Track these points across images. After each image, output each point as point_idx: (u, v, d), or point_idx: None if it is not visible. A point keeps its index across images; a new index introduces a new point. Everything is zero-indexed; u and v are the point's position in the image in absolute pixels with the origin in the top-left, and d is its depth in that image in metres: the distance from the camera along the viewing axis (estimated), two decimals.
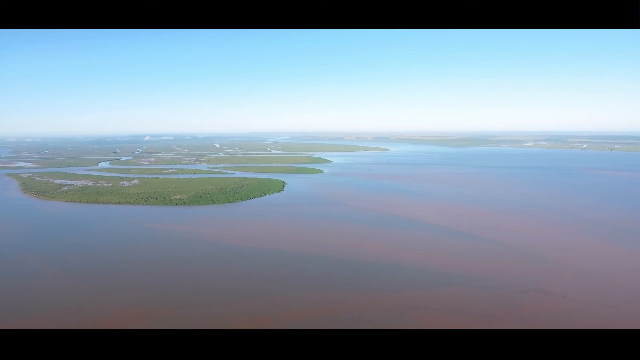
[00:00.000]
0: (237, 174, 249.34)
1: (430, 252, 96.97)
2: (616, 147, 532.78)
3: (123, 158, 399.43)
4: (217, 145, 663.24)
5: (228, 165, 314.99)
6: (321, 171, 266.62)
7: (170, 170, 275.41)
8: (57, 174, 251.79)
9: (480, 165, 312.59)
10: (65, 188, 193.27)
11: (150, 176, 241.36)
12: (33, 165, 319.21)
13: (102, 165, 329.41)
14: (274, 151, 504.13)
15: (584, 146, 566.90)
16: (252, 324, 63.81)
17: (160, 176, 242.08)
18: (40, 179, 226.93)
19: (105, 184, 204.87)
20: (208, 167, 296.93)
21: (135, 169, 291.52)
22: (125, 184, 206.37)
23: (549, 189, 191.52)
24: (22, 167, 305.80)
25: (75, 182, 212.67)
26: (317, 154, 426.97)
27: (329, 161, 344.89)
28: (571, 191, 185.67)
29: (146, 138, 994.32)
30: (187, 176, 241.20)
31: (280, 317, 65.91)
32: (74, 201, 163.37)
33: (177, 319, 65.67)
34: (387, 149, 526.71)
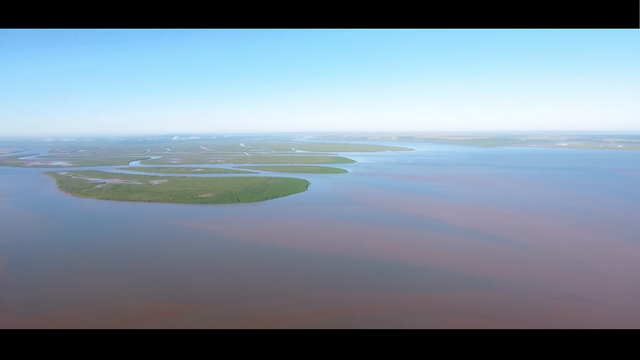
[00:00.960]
0: (262, 174, 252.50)
1: (454, 254, 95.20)
2: None
3: (153, 157, 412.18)
4: (242, 145, 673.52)
5: (253, 164, 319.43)
6: (345, 171, 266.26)
7: (197, 170, 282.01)
8: (91, 173, 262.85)
9: (508, 165, 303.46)
10: (99, 186, 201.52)
11: (178, 175, 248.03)
12: (69, 164, 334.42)
13: (133, 164, 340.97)
14: (298, 151, 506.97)
15: (620, 146, 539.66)
16: (274, 322, 64.60)
17: (188, 175, 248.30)
18: (76, 177, 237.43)
19: (136, 182, 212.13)
20: (233, 167, 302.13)
21: (164, 167, 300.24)
22: (155, 182, 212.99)
23: (582, 191, 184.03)
24: (59, 166, 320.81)
25: (107, 180, 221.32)
26: (341, 154, 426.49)
27: (353, 161, 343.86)
28: (606, 193, 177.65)
29: (175, 138, 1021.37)
30: (213, 175, 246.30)
31: (301, 316, 66.45)
32: (107, 199, 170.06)
33: (200, 315, 67.36)
34: (412, 149, 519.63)
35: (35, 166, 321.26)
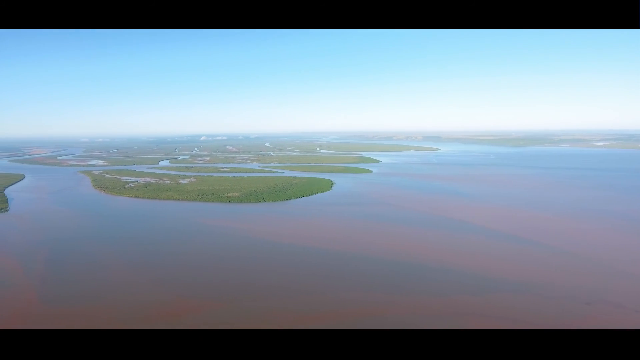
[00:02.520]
0: (287, 173, 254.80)
1: (482, 257, 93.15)
2: None
3: (181, 157, 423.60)
4: (267, 144, 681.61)
5: (278, 164, 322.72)
6: (369, 171, 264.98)
7: (224, 169, 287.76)
8: (123, 172, 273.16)
9: (540, 166, 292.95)
10: (131, 185, 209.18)
11: (205, 174, 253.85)
12: (103, 163, 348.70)
13: (162, 163, 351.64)
14: (322, 151, 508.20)
15: None
16: (298, 321, 65.32)
17: (215, 174, 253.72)
18: (109, 176, 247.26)
19: (166, 182, 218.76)
20: (259, 166, 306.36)
21: (192, 167, 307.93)
22: (183, 181, 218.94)
23: (617, 193, 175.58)
24: (93, 165, 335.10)
25: (139, 179, 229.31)
26: (365, 154, 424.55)
27: (378, 161, 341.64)
28: None
29: (202, 138, 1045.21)
30: (239, 175, 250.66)
31: (326, 316, 66.81)
32: (138, 197, 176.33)
33: (225, 311, 68.92)
34: (438, 149, 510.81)
35: (72, 165, 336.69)
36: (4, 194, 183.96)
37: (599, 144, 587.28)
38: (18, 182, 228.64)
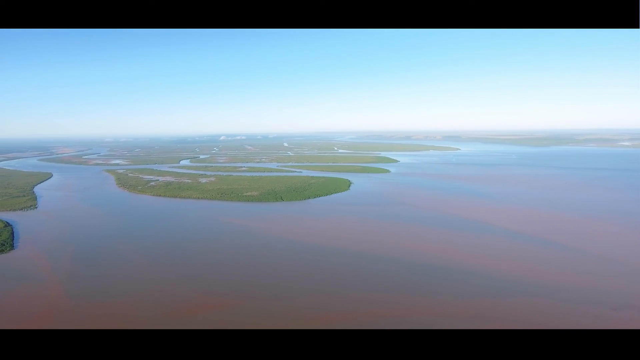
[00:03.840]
0: (305, 173, 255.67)
1: (504, 259, 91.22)
2: None
3: (201, 156, 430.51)
4: (285, 144, 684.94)
5: (296, 163, 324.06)
6: (388, 171, 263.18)
7: (243, 168, 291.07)
8: (145, 171, 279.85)
9: (564, 166, 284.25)
10: (152, 183, 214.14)
11: (225, 174, 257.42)
12: (126, 162, 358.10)
13: (183, 162, 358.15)
14: (340, 150, 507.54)
15: None
16: (316, 321, 65.57)
17: (234, 174, 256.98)
18: (132, 175, 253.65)
19: (186, 180, 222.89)
20: (277, 166, 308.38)
21: (212, 166, 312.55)
22: (203, 180, 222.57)
23: None
24: (117, 164, 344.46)
25: (160, 178, 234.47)
26: (383, 154, 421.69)
27: (396, 161, 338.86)
28: None
29: (222, 138, 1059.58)
30: (258, 174, 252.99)
31: (345, 316, 66.81)
32: (160, 195, 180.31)
33: (246, 309, 69.71)
34: (458, 149, 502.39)
35: (97, 164, 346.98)
36: (33, 192, 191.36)
37: (626, 143, 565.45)
38: (46, 180, 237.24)
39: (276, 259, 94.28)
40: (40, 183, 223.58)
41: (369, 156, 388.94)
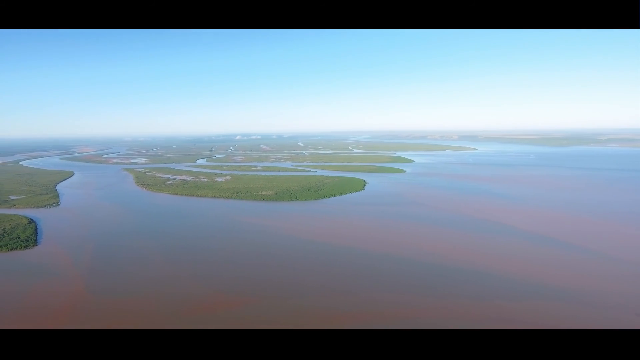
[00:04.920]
0: (319, 172, 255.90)
1: (521, 261, 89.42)
2: None
3: (217, 156, 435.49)
4: (300, 144, 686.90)
5: (311, 163, 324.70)
6: (403, 171, 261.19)
7: (258, 168, 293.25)
8: (163, 170, 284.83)
9: (584, 167, 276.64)
10: (170, 182, 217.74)
11: (240, 173, 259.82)
12: (144, 161, 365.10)
13: (199, 162, 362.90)
14: (355, 150, 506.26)
15: None
16: (330, 320, 65.60)
17: (249, 173, 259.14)
18: (150, 174, 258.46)
19: (202, 179, 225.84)
20: (292, 165, 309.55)
21: (228, 165, 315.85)
22: (219, 179, 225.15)
23: None
24: (136, 163, 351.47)
25: (177, 177, 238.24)
26: (398, 153, 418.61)
27: (411, 161, 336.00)
28: None
29: (237, 137, 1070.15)
30: (273, 173, 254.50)
31: (359, 316, 66.62)
32: (177, 194, 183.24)
33: (259, 307, 70.17)
34: (474, 149, 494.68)
35: (116, 163, 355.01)
36: (56, 190, 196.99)
37: None
38: (68, 178, 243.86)
39: (290, 257, 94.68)
40: (62, 181, 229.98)
41: (384, 156, 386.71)
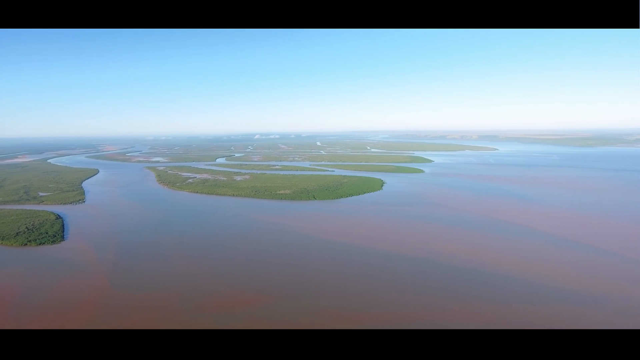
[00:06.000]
0: (337, 172, 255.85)
1: (544, 264, 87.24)
2: None
3: (236, 155, 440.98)
4: (318, 143, 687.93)
5: (328, 162, 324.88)
6: (422, 171, 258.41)
7: (276, 167, 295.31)
8: (184, 168, 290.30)
9: (610, 168, 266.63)
10: (190, 180, 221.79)
11: (259, 172, 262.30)
12: (166, 160, 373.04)
13: (219, 160, 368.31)
14: (373, 150, 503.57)
15: None
16: (346, 320, 65.55)
17: (268, 172, 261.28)
18: (171, 172, 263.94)
19: (222, 178, 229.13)
20: (310, 165, 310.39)
21: (247, 164, 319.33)
22: (238, 178, 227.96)
23: None
24: (157, 161, 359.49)
25: (197, 175, 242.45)
26: (417, 153, 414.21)
27: (430, 161, 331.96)
28: None
29: (256, 136, 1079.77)
30: (291, 172, 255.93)
31: (375, 317, 66.52)
32: (197, 192, 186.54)
33: (275, 306, 70.90)
34: (495, 149, 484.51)
35: (139, 161, 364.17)
36: (81, 187, 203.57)
37: None
38: (93, 176, 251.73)
39: (308, 257, 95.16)
40: (87, 179, 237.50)
41: (402, 156, 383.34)
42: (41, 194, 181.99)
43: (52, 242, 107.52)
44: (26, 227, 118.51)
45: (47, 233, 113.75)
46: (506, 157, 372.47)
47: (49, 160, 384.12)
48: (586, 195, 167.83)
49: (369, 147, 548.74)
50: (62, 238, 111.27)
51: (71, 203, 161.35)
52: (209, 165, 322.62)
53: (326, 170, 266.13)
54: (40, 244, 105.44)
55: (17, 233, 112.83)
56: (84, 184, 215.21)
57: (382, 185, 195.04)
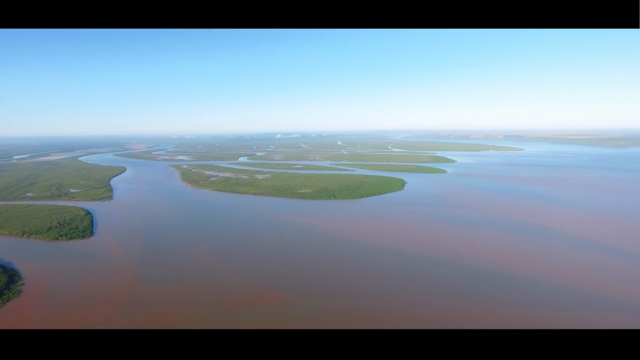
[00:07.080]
0: (358, 171, 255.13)
1: (571, 268, 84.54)
2: None
3: (258, 154, 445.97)
4: (339, 142, 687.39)
5: (349, 162, 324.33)
6: (444, 171, 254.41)
7: (297, 166, 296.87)
8: (207, 167, 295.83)
9: None
10: (213, 178, 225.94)
11: (280, 171, 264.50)
12: (190, 158, 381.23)
13: (241, 159, 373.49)
14: (394, 149, 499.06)
15: None
16: (368, 320, 65.41)
17: (289, 171, 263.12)
18: (195, 170, 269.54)
19: (243, 177, 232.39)
20: (331, 164, 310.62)
21: (268, 163, 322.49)
22: (259, 177, 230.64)
23: None
24: (182, 160, 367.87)
25: (220, 174, 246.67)
26: (439, 153, 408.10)
27: (453, 161, 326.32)
28: None
29: (277, 136, 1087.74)
30: (311, 172, 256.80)
31: (394, 318, 66.09)
32: (219, 190, 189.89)
33: (296, 305, 71.45)
34: (521, 149, 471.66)
35: (164, 160, 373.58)
36: (110, 184, 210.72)
37: None
38: (120, 173, 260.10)
39: (326, 256, 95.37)
40: (115, 176, 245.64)
41: (424, 155, 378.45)
42: (72, 190, 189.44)
43: (82, 237, 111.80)
44: (58, 222, 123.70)
45: (77, 228, 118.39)
46: (533, 157, 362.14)
47: (79, 158, 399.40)
48: (619, 197, 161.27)
49: (390, 147, 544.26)
50: (92, 233, 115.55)
51: (100, 199, 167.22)
52: (231, 164, 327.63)
53: (347, 170, 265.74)
54: (70, 239, 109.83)
55: (50, 228, 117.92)
56: (112, 181, 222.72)
57: (403, 185, 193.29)
